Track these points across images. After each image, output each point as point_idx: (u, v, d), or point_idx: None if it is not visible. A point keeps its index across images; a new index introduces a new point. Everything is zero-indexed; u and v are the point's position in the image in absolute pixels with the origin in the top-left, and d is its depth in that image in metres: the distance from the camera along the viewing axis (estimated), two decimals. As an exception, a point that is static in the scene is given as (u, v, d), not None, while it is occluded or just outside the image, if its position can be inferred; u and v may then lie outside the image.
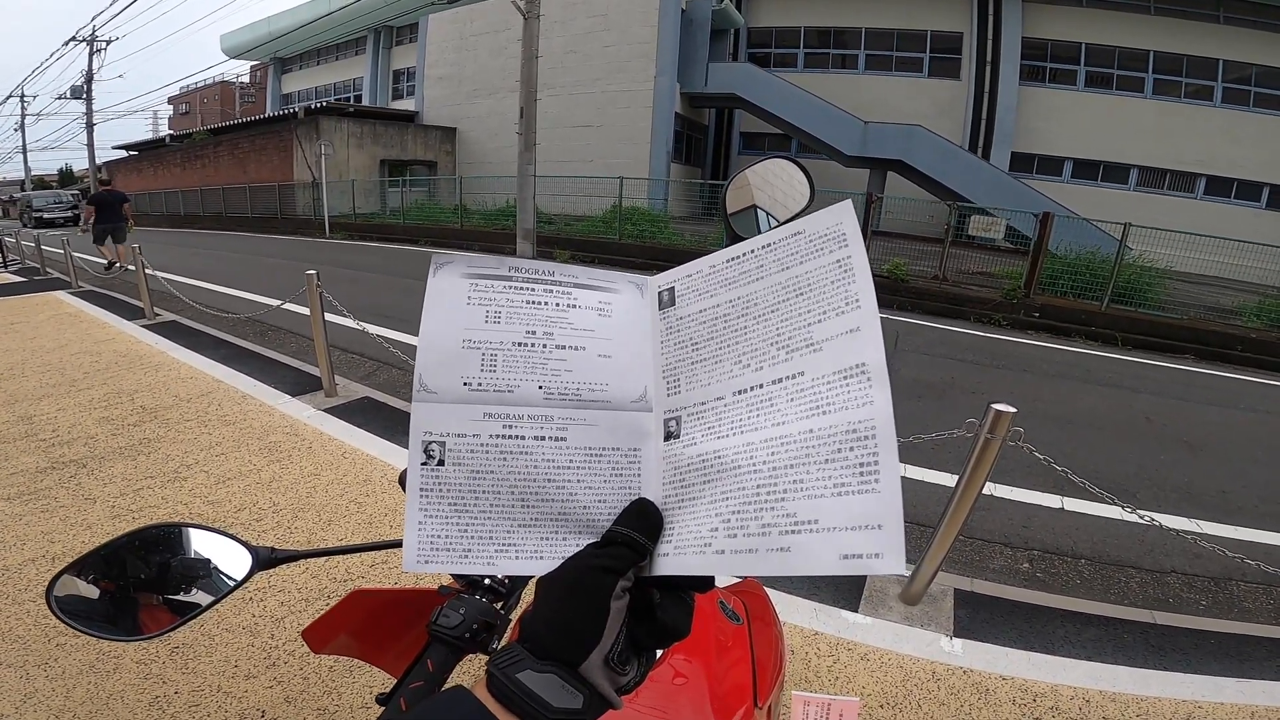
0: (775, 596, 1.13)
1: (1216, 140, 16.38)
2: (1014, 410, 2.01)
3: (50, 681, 1.81)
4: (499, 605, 0.71)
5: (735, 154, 22.12)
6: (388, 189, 19.41)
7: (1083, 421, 4.63)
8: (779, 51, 20.60)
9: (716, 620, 0.94)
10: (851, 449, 0.38)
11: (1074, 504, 3.18)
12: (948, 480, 3.28)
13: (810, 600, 2.31)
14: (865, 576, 2.45)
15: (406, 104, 24.71)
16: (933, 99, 18.56)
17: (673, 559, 0.42)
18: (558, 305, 0.48)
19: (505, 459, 0.44)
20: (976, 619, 2.26)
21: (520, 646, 0.39)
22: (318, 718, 1.72)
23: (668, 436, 0.46)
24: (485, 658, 0.56)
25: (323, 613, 0.78)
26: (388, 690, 0.65)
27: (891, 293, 8.90)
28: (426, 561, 0.43)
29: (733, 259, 0.48)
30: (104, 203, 10.23)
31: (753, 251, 0.47)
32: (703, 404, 0.46)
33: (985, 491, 2.15)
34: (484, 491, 0.44)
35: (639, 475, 0.46)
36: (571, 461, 0.45)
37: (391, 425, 3.77)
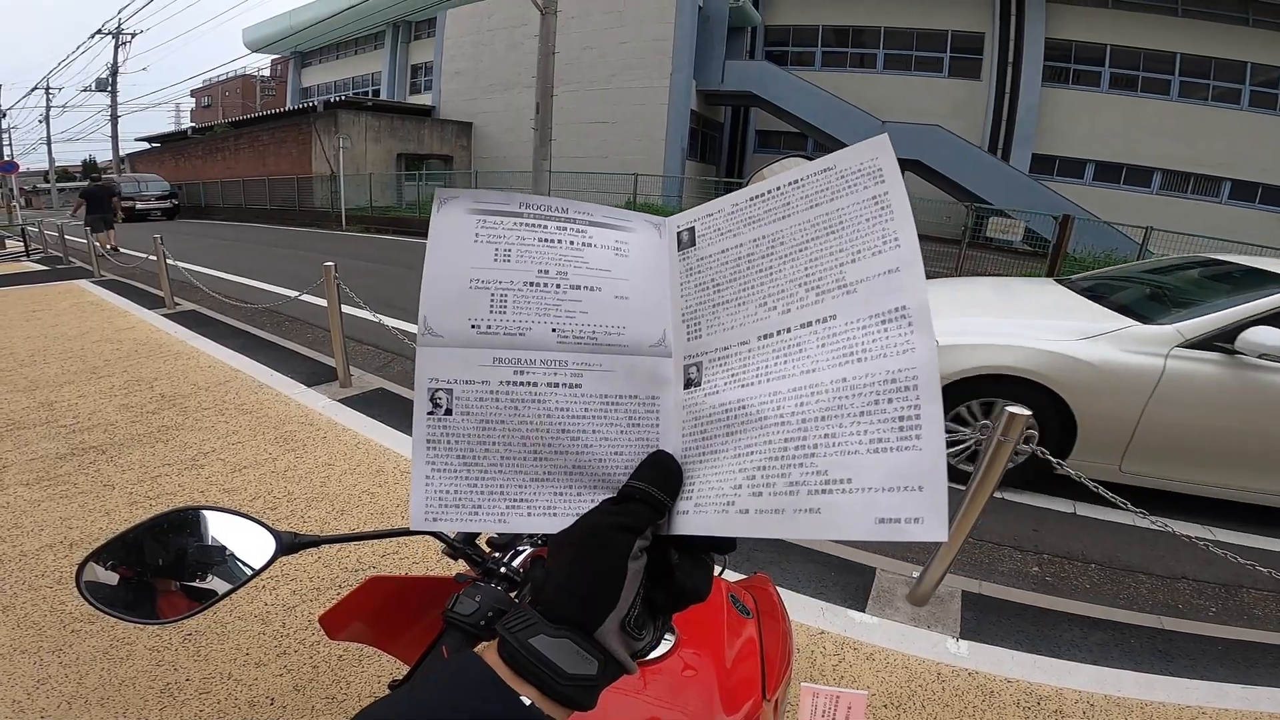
0: (781, 594, 1.14)
1: (1242, 144, 16.11)
2: (1028, 413, 2.00)
3: (64, 668, 1.84)
4: (514, 593, 0.72)
5: (750, 152, 22.03)
6: (404, 183, 19.53)
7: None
8: (796, 50, 20.48)
9: (727, 613, 0.95)
10: (890, 400, 0.35)
11: (1086, 509, 3.15)
12: (958, 483, 3.27)
13: (817, 599, 2.31)
14: (873, 574, 2.45)
15: (423, 98, 24.83)
16: (951, 99, 18.39)
17: (693, 517, 0.39)
18: (572, 243, 0.45)
19: (517, 407, 0.42)
20: (984, 621, 2.26)
21: (533, 610, 0.37)
22: (326, 706, 1.74)
23: (688, 384, 0.44)
24: None
25: (339, 599, 0.79)
26: (399, 678, 0.66)
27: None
28: (435, 519, 0.41)
29: (756, 196, 0.45)
30: (94, 195, 11.68)
31: (779, 189, 0.44)
32: (725, 349, 0.43)
33: (996, 495, 2.14)
34: (494, 443, 0.41)
35: (657, 426, 0.43)
36: (587, 410, 0.42)
37: (405, 417, 3.80)
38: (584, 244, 0.45)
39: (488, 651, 0.36)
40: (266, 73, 47.37)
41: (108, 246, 10.99)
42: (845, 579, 2.44)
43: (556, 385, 0.42)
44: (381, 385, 4.36)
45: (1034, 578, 2.63)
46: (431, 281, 0.42)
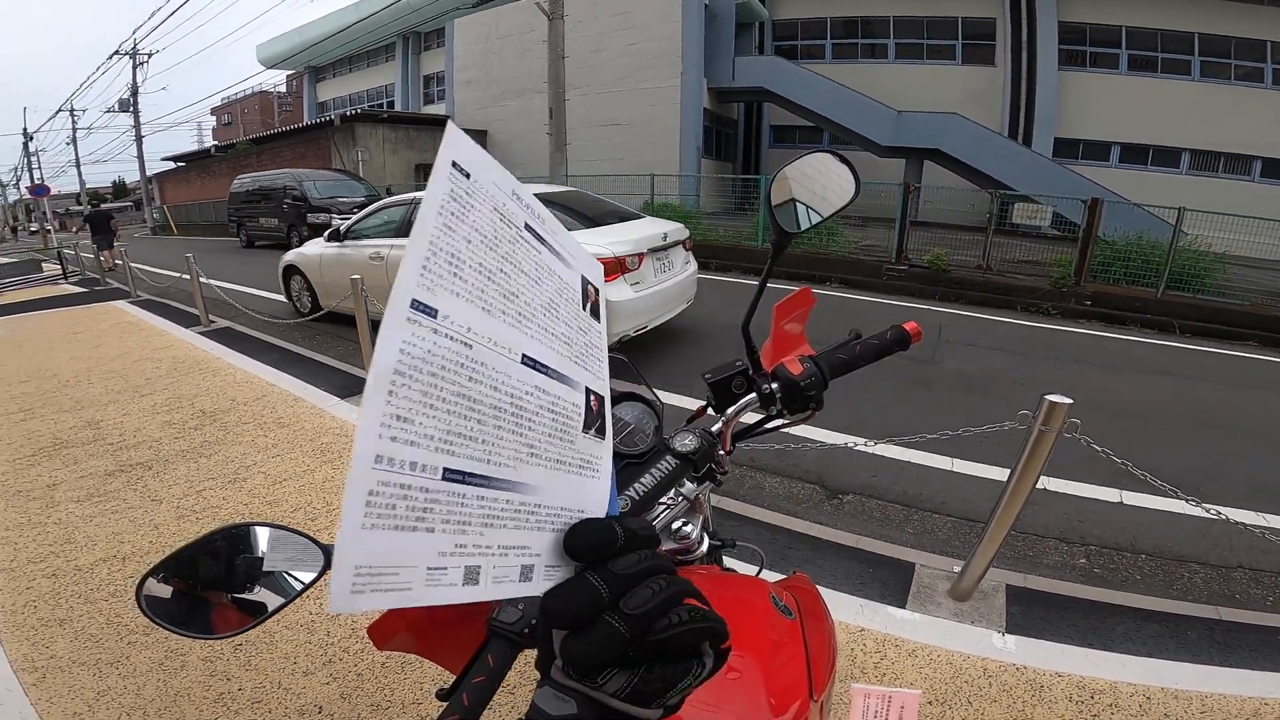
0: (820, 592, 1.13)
1: (1269, 122, 15.58)
2: (1069, 401, 1.96)
3: (122, 679, 1.89)
4: None
5: (766, 147, 21.92)
6: (423, 194, 19.72)
7: (1140, 412, 4.46)
8: (805, 43, 20.31)
9: (769, 615, 0.94)
10: None
11: (1134, 498, 3.07)
12: (996, 474, 3.20)
13: (855, 596, 2.28)
14: (913, 569, 2.41)
15: (438, 108, 25.13)
16: (966, 86, 18.08)
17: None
18: None
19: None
20: (1030, 615, 2.21)
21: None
22: (372, 713, 1.77)
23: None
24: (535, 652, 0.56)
25: (385, 609, 0.80)
26: (445, 686, 0.66)
27: (932, 283, 8.68)
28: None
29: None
30: (95, 221, 13.63)
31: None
32: None
33: (1039, 486, 2.09)
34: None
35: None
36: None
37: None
38: None
39: None
40: (283, 88, 48.34)
41: (111, 264, 12.08)
42: (883, 575, 2.41)
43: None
44: (411, 394, 4.40)
45: (1082, 570, 2.57)
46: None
